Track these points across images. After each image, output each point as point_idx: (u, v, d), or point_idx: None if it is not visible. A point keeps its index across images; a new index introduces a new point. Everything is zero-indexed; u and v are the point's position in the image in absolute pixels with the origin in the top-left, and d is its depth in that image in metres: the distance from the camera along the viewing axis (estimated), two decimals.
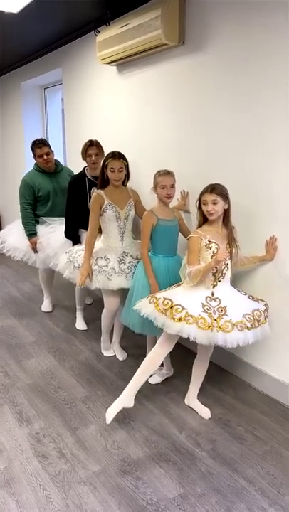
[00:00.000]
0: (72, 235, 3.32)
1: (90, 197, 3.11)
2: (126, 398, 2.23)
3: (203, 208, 2.26)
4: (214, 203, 2.21)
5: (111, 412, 2.21)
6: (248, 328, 2.15)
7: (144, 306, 2.27)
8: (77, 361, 3.03)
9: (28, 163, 5.60)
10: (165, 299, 2.20)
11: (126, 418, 2.39)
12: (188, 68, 2.84)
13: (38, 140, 3.60)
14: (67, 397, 2.61)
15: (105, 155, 2.85)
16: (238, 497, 1.87)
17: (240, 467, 2.05)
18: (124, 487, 1.93)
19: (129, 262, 2.81)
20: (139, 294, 2.51)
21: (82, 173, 3.28)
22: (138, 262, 2.76)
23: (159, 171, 2.57)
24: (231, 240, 2.29)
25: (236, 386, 2.72)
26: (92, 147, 3.18)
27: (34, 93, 5.43)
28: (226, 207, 2.26)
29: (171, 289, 2.32)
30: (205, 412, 2.42)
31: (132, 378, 2.27)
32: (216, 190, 2.21)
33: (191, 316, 2.10)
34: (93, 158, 3.17)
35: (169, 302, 2.17)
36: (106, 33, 3.24)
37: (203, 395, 2.55)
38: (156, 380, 2.72)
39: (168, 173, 2.55)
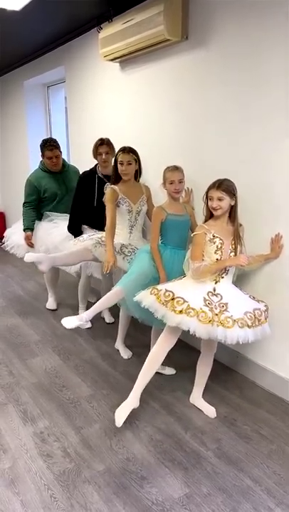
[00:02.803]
0: (75, 229, 3.32)
1: (98, 194, 3.13)
2: (134, 400, 2.23)
3: (209, 203, 2.24)
4: (220, 200, 2.19)
5: (121, 415, 2.19)
6: (248, 326, 2.13)
7: (145, 297, 2.26)
8: (82, 360, 3.02)
9: (31, 162, 5.60)
10: (167, 290, 2.19)
11: (131, 417, 2.37)
12: (191, 64, 2.81)
13: (49, 141, 3.52)
14: (72, 396, 2.60)
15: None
16: (244, 497, 1.85)
17: (246, 466, 2.03)
18: (129, 486, 1.91)
19: (131, 249, 2.91)
20: (133, 279, 2.55)
21: (94, 171, 3.29)
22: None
23: (168, 167, 2.58)
24: (237, 236, 2.26)
25: (242, 385, 2.70)
26: (102, 146, 3.18)
27: (37, 91, 5.42)
28: (233, 203, 2.23)
29: (173, 282, 2.31)
30: (210, 411, 2.40)
31: (138, 378, 2.25)
32: (223, 186, 2.19)
33: (193, 309, 2.09)
34: (104, 156, 3.18)
35: (171, 294, 2.16)
36: (108, 30, 3.22)
37: (208, 394, 2.53)
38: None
39: (176, 169, 2.55)
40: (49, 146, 3.48)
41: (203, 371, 2.45)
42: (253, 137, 2.46)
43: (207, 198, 2.25)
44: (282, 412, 2.42)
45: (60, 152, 3.57)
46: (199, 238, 2.23)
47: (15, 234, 3.81)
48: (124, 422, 2.33)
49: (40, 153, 3.59)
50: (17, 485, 1.93)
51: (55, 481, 1.95)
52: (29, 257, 2.93)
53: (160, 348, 2.25)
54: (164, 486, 1.91)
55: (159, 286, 2.25)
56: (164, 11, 2.67)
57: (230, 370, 2.84)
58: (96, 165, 3.31)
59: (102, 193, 3.08)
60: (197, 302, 2.11)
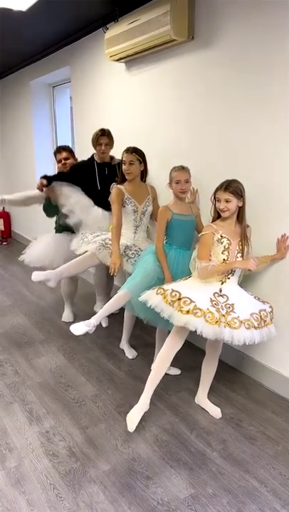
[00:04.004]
0: (55, 179, 3.27)
1: (99, 178, 3.19)
2: (145, 403, 2.22)
3: (217, 204, 2.24)
4: (227, 201, 2.19)
5: (133, 420, 2.18)
6: (254, 327, 2.13)
7: (151, 297, 2.25)
8: (87, 359, 3.02)
9: (37, 161, 5.62)
10: (173, 290, 2.18)
11: None
12: (197, 64, 2.81)
13: (60, 146, 3.64)
14: (77, 395, 2.60)
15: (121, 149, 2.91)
16: (249, 498, 1.85)
17: (252, 467, 2.02)
18: (134, 486, 1.92)
19: (135, 250, 2.90)
20: (138, 282, 2.53)
21: (91, 159, 3.34)
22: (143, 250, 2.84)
23: (174, 167, 2.58)
24: (244, 238, 2.26)
25: (248, 385, 2.69)
26: (103, 137, 3.21)
27: (43, 91, 5.43)
28: (240, 204, 2.23)
29: (179, 282, 2.31)
30: (216, 412, 2.40)
31: (147, 381, 2.24)
32: (230, 188, 2.18)
33: (200, 309, 2.08)
34: (103, 147, 3.22)
35: (177, 294, 2.15)
36: (114, 30, 3.22)
37: (214, 395, 2.53)
38: None
39: (182, 169, 2.55)
40: (58, 149, 3.57)
41: (208, 372, 2.45)
42: (259, 137, 2.46)
43: (215, 199, 2.25)
44: (287, 413, 2.42)
45: (75, 159, 3.55)
46: (207, 238, 2.23)
47: (34, 248, 3.66)
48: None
49: (55, 160, 3.65)
50: (23, 484, 1.94)
51: (60, 481, 1.95)
52: (37, 276, 2.89)
53: (168, 349, 2.25)
54: (169, 487, 1.92)
55: (166, 286, 2.25)
56: (171, 11, 2.66)
57: (235, 370, 2.84)
58: (92, 154, 3.34)
59: (103, 177, 3.19)
60: (204, 302, 2.11)
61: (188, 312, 2.08)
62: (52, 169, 5.59)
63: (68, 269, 2.95)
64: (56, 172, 3.55)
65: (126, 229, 2.95)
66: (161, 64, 3.12)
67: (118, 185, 2.89)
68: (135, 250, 2.91)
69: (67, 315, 3.75)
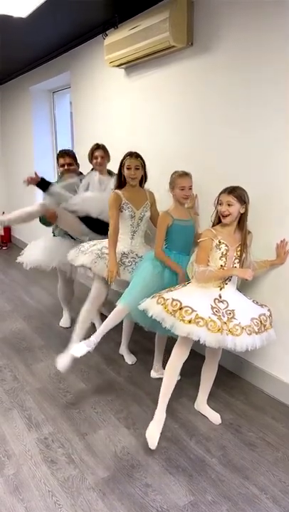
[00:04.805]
0: (45, 186, 3.24)
1: None
2: (161, 416, 2.20)
3: (219, 207, 2.22)
4: (229, 205, 2.18)
5: (154, 436, 2.14)
6: (255, 333, 2.12)
7: (152, 307, 2.22)
8: (86, 365, 3.01)
9: (37, 166, 5.63)
10: (174, 300, 2.16)
11: (135, 424, 2.37)
12: (196, 70, 2.82)
13: (63, 150, 3.59)
14: (76, 401, 2.59)
15: (120, 157, 2.85)
16: (249, 505, 1.84)
17: (252, 474, 2.01)
18: (133, 494, 1.90)
19: (132, 258, 2.84)
20: (137, 294, 2.48)
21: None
22: (141, 259, 2.79)
23: (177, 172, 2.55)
24: (244, 244, 2.25)
25: (247, 391, 2.68)
26: (98, 149, 3.20)
27: (43, 97, 5.46)
28: (243, 211, 2.21)
29: (178, 289, 2.29)
30: (215, 418, 2.39)
31: (160, 394, 2.22)
32: (234, 192, 2.17)
33: (202, 318, 2.07)
34: (99, 160, 3.20)
35: (178, 303, 2.13)
36: (114, 36, 3.24)
37: (213, 400, 2.52)
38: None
39: (186, 175, 2.53)
40: (61, 153, 3.53)
41: (207, 377, 2.44)
42: (258, 142, 2.46)
43: (218, 202, 2.24)
44: (287, 419, 2.41)
45: (77, 164, 3.54)
46: (206, 243, 2.22)
47: (35, 252, 3.62)
48: (128, 429, 2.33)
49: (57, 165, 3.61)
50: (21, 491, 1.93)
51: (59, 488, 1.94)
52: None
53: (175, 359, 2.23)
54: (168, 494, 1.90)
55: (166, 295, 2.22)
56: (170, 17, 2.68)
57: (235, 376, 2.83)
58: (91, 169, 3.32)
59: None
60: (205, 311, 2.10)
61: (190, 322, 2.06)
62: (52, 176, 5.61)
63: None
64: (57, 175, 3.54)
65: (123, 234, 2.91)
66: (161, 70, 3.14)
67: (116, 190, 2.87)
68: (132, 257, 2.85)
69: (65, 320, 3.75)
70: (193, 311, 2.09)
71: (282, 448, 2.18)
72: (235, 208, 2.18)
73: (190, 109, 2.92)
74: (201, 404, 2.46)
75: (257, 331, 2.13)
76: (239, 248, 2.24)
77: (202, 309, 2.10)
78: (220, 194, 2.22)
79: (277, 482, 1.96)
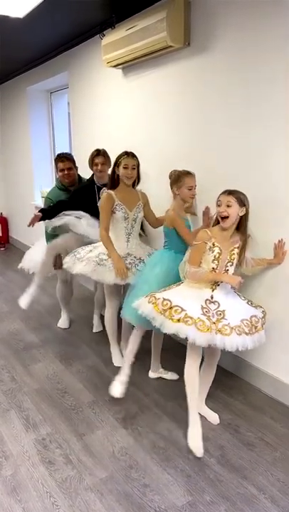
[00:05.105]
0: (50, 215, 3.19)
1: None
2: (197, 422, 2.19)
3: (217, 208, 2.20)
4: (228, 206, 2.15)
5: (199, 445, 2.14)
6: (246, 333, 2.12)
7: (143, 305, 2.25)
8: (84, 366, 3.01)
9: (34, 167, 5.63)
10: (164, 299, 2.17)
11: (133, 424, 2.37)
12: (193, 70, 2.82)
13: (61, 153, 3.50)
14: (74, 402, 2.59)
15: (116, 157, 2.82)
16: (247, 505, 1.83)
17: (250, 474, 2.01)
18: (131, 494, 1.90)
19: (131, 260, 2.80)
20: (139, 288, 2.50)
21: (92, 181, 3.26)
22: (140, 261, 2.78)
23: (184, 172, 2.53)
24: (242, 248, 2.23)
25: (245, 391, 2.68)
26: (98, 156, 3.16)
27: (40, 97, 5.45)
28: (242, 213, 2.19)
29: (170, 289, 2.29)
30: (213, 418, 2.39)
31: (188, 402, 2.22)
32: (234, 194, 2.16)
33: (190, 317, 2.08)
34: (99, 167, 3.16)
35: (168, 303, 2.15)
36: (111, 36, 3.23)
37: (212, 400, 2.52)
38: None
39: (192, 174, 2.53)
40: (60, 157, 3.43)
41: (206, 378, 2.43)
42: (257, 141, 2.46)
43: (217, 204, 2.22)
44: (286, 419, 2.40)
45: (76, 167, 3.48)
46: (201, 246, 2.22)
47: (34, 253, 3.63)
48: (127, 429, 2.32)
49: (55, 169, 3.52)
50: (19, 492, 1.92)
51: (57, 488, 1.93)
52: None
53: (189, 365, 2.22)
54: (166, 494, 1.90)
55: (157, 294, 2.24)
56: (167, 17, 2.68)
57: (233, 376, 2.82)
58: (92, 175, 3.27)
59: None
60: (195, 311, 2.10)
61: (178, 320, 2.08)
62: (50, 177, 5.62)
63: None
64: (55, 181, 3.47)
65: (117, 238, 2.84)
66: (158, 70, 3.14)
67: (108, 191, 2.80)
68: (131, 260, 2.80)
69: (63, 321, 3.73)
70: (182, 310, 2.10)
71: (280, 448, 2.18)
72: (234, 210, 2.15)
73: (188, 109, 2.92)
74: (200, 404, 2.46)
75: (247, 331, 2.13)
76: (233, 252, 2.22)
77: (192, 309, 2.11)
78: (219, 195, 2.21)
79: (276, 482, 1.96)
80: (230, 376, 2.82)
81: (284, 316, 2.44)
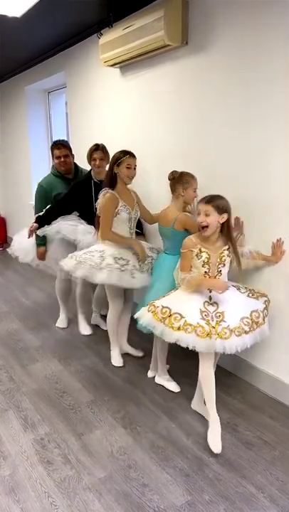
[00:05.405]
0: (47, 222, 3.18)
1: (96, 200, 3.09)
2: (216, 420, 2.19)
3: (197, 217, 2.18)
4: (206, 215, 2.12)
5: (218, 442, 2.13)
6: (245, 333, 2.12)
7: (143, 315, 2.26)
8: (83, 365, 3.00)
9: (32, 167, 5.62)
10: (163, 307, 2.17)
11: (132, 423, 2.36)
12: (191, 69, 2.82)
13: (57, 140, 3.47)
14: (73, 401, 2.58)
15: (113, 156, 2.80)
16: (246, 504, 1.83)
17: (249, 473, 2.00)
18: (130, 494, 1.89)
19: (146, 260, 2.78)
20: (156, 290, 2.51)
21: (89, 176, 3.23)
22: (152, 259, 2.78)
23: (188, 173, 2.52)
24: (233, 250, 2.21)
25: (244, 390, 2.67)
26: (97, 151, 3.14)
27: (38, 97, 5.44)
28: (222, 220, 2.15)
29: (169, 295, 2.28)
30: None
31: (206, 402, 2.23)
32: (212, 202, 2.13)
33: (190, 324, 2.08)
34: (98, 162, 3.13)
35: (168, 311, 2.15)
36: (109, 36, 3.23)
37: None
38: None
39: (195, 176, 2.54)
40: (57, 144, 3.40)
41: None
42: (255, 141, 2.45)
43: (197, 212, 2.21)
44: (284, 418, 2.40)
45: (72, 155, 3.46)
46: (186, 254, 2.21)
47: (23, 239, 3.62)
48: (125, 428, 2.32)
49: (51, 156, 3.51)
50: (17, 492, 1.91)
51: (55, 488, 1.93)
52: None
53: (204, 366, 2.21)
54: (165, 493, 1.89)
55: (157, 302, 2.23)
56: (164, 16, 2.67)
57: (232, 375, 2.82)
58: (90, 171, 3.25)
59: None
60: (194, 317, 2.10)
61: (179, 328, 2.07)
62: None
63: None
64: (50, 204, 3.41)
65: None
66: (156, 69, 3.13)
67: (112, 191, 2.75)
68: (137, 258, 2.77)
69: (61, 320, 3.72)
70: (182, 317, 2.10)
71: (279, 447, 2.18)
72: (213, 218, 2.12)
73: (187, 108, 2.91)
74: (198, 403, 2.46)
75: (247, 330, 2.13)
76: (223, 254, 2.20)
77: (191, 315, 2.10)
78: (198, 203, 2.18)
79: (275, 481, 1.96)
80: (228, 375, 2.81)
81: (283, 315, 2.43)
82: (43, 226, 3.18)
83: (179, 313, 2.12)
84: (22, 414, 2.47)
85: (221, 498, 1.86)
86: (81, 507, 1.83)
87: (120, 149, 2.80)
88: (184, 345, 2.08)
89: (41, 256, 3.45)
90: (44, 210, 3.28)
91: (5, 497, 1.89)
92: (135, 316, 2.33)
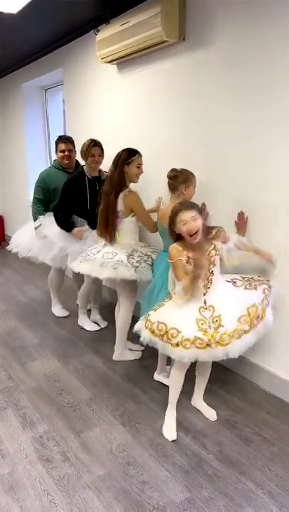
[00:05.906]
0: (68, 224, 3.22)
1: (90, 197, 3.09)
2: (174, 414, 2.27)
3: (185, 228, 2.07)
4: (195, 219, 2.08)
5: (172, 434, 2.21)
6: (246, 332, 2.08)
7: (142, 331, 2.21)
8: (82, 363, 3.00)
9: (29, 164, 5.60)
10: (159, 323, 2.11)
11: (131, 421, 2.36)
12: (189, 65, 2.80)
13: (63, 135, 3.60)
14: (72, 399, 2.58)
15: (121, 155, 2.77)
16: (246, 500, 1.83)
17: (248, 469, 2.01)
18: (129, 491, 1.89)
19: (138, 257, 2.76)
20: (157, 294, 2.51)
21: (82, 172, 3.21)
22: (148, 257, 2.77)
23: (189, 171, 2.50)
24: (214, 248, 2.17)
25: (243, 387, 2.68)
26: (96, 147, 3.12)
27: (35, 94, 5.41)
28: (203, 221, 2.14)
29: (163, 307, 2.22)
30: (211, 414, 2.38)
31: (169, 400, 2.30)
32: (193, 207, 2.11)
33: (187, 339, 2.03)
34: (96, 158, 3.13)
35: (164, 327, 2.09)
36: (106, 32, 3.21)
37: (209, 396, 2.51)
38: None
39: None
40: (63, 139, 3.51)
41: (202, 374, 2.43)
42: (253, 140, 2.45)
43: (175, 224, 2.11)
44: (284, 414, 2.40)
45: (75, 151, 3.52)
46: (176, 263, 2.14)
47: (22, 236, 3.73)
48: (124, 425, 2.32)
49: (55, 150, 3.58)
50: (16, 491, 1.91)
51: (54, 486, 1.93)
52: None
53: (176, 371, 2.26)
54: (165, 490, 1.89)
55: (152, 317, 2.17)
56: (162, 12, 2.66)
57: (231, 372, 2.82)
58: (82, 167, 3.23)
59: (94, 196, 3.02)
60: (190, 330, 2.04)
61: (177, 345, 2.04)
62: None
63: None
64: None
65: (131, 237, 2.82)
66: (153, 65, 3.12)
67: (133, 190, 2.77)
68: (139, 257, 2.76)
69: (59, 309, 3.83)
70: (178, 332, 2.04)
71: (278, 443, 2.18)
72: (200, 221, 2.10)
73: (183, 104, 2.90)
74: (197, 400, 2.46)
75: (247, 329, 2.08)
76: (210, 254, 2.15)
77: (187, 329, 2.05)
78: (179, 214, 2.09)
79: (274, 477, 1.96)
80: (228, 372, 2.81)
81: (281, 314, 2.43)
82: (70, 231, 3.22)
83: (175, 328, 2.06)
84: (21, 412, 2.46)
85: (220, 495, 1.86)
86: (80, 505, 1.82)
87: (124, 147, 2.79)
88: (186, 361, 2.09)
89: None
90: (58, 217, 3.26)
91: (4, 495, 1.88)
92: (134, 330, 2.27)
